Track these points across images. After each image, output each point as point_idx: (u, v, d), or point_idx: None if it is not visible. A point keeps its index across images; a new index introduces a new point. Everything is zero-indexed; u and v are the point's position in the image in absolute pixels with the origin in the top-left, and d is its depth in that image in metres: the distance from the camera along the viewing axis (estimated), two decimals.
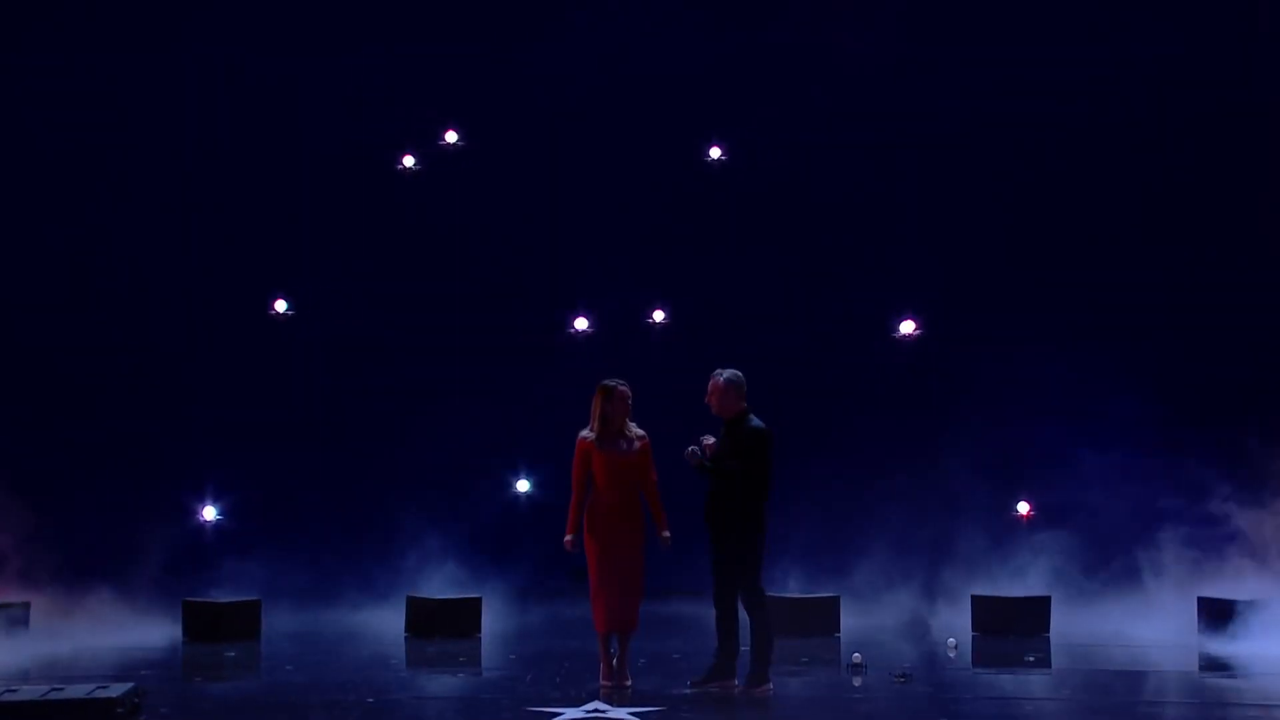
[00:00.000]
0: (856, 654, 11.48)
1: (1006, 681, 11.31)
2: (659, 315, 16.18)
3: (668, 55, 15.96)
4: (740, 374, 10.45)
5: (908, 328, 15.73)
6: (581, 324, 16.15)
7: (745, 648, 10.42)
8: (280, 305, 15.98)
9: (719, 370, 10.47)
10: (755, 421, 10.33)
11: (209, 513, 15.47)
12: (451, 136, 16.24)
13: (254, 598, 13.61)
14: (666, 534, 10.48)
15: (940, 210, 15.87)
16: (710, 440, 10.30)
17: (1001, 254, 15.61)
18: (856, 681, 10.93)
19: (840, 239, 15.96)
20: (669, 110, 15.96)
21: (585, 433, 10.52)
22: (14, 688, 9.46)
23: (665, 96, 15.94)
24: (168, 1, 15.96)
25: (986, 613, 13.41)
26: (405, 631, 13.50)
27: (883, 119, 15.90)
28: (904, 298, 15.79)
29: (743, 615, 10.36)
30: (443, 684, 11.33)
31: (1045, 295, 15.41)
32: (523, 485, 15.93)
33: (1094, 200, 15.65)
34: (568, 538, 10.53)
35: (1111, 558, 14.34)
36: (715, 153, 16.21)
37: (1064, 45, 15.66)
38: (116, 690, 9.17)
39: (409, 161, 16.18)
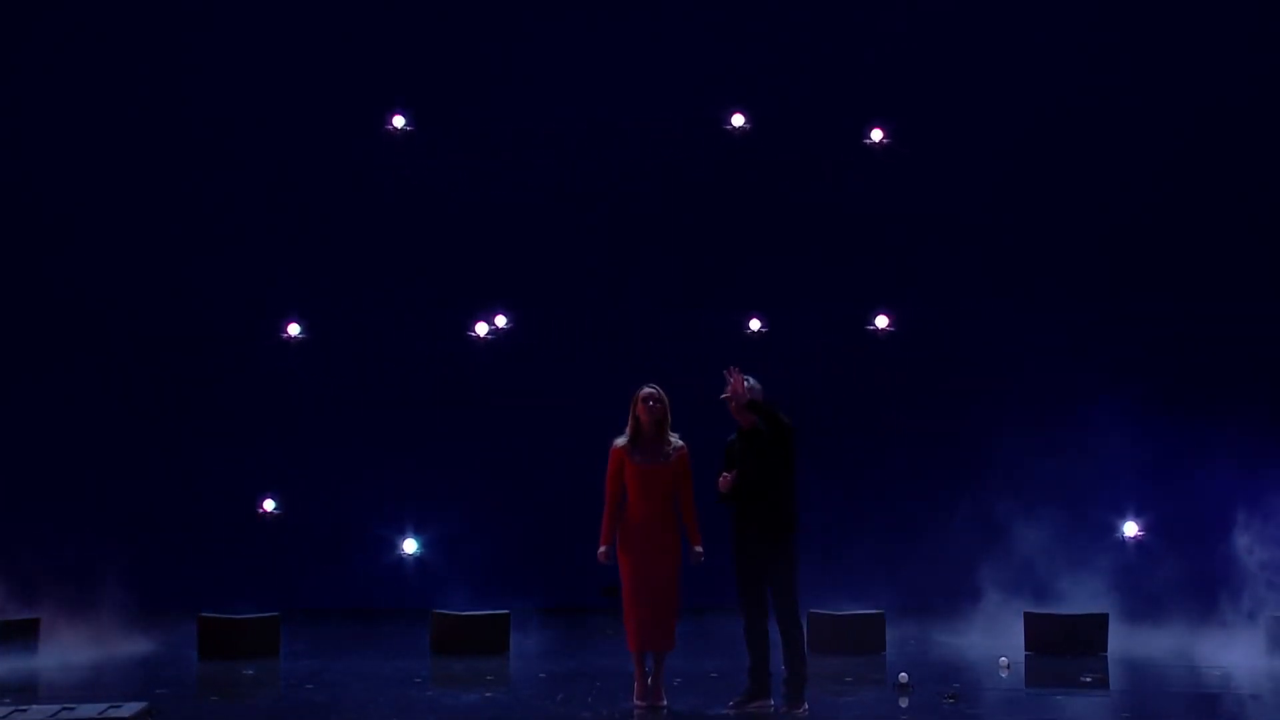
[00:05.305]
0: (903, 673, 11.20)
1: (1061, 703, 10.94)
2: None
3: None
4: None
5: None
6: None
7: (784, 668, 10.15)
8: (294, 329, 15.69)
9: (744, 377, 10.12)
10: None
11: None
12: None
13: (273, 613, 13.30)
14: (699, 549, 10.19)
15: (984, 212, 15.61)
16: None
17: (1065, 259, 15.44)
18: (903, 702, 10.66)
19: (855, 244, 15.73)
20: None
21: (619, 440, 10.23)
22: (23, 707, 9.31)
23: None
24: None
25: (1040, 630, 12.94)
26: (431, 648, 13.18)
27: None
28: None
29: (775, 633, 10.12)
30: (469, 703, 11.02)
31: (1115, 298, 15.25)
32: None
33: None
34: (601, 549, 10.24)
35: (1174, 573, 13.96)
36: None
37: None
38: (129, 709, 9.05)
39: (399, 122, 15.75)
